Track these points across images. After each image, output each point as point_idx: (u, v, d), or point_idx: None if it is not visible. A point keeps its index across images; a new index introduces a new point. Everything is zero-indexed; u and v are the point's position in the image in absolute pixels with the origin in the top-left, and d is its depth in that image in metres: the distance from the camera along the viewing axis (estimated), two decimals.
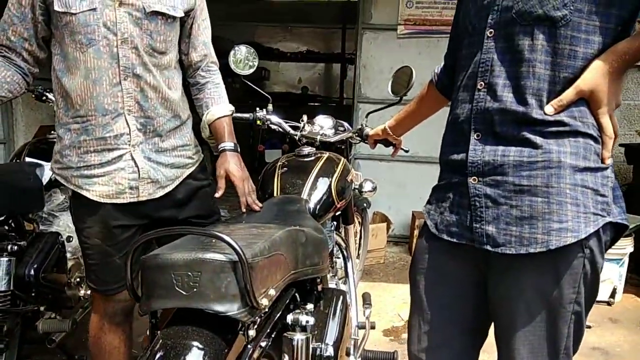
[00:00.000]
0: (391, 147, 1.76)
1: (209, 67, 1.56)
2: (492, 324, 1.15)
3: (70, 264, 1.90)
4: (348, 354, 1.48)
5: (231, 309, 0.81)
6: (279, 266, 0.99)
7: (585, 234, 0.96)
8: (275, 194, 1.51)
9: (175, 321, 0.85)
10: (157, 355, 0.80)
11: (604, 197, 0.98)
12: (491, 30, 1.01)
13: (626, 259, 3.00)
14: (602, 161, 0.99)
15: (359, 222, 2.58)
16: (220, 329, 0.84)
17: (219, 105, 1.54)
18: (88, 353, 1.95)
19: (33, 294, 1.64)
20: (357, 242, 2.67)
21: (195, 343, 0.81)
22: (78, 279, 1.95)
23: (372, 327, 1.82)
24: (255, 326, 0.90)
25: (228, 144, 1.50)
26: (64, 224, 1.89)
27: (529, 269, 1.00)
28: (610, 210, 0.99)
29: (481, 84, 1.02)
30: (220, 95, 1.56)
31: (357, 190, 2.09)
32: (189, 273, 0.80)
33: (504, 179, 0.99)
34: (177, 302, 0.81)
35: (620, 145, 3.73)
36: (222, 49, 1.79)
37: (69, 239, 1.85)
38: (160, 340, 0.82)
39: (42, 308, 1.68)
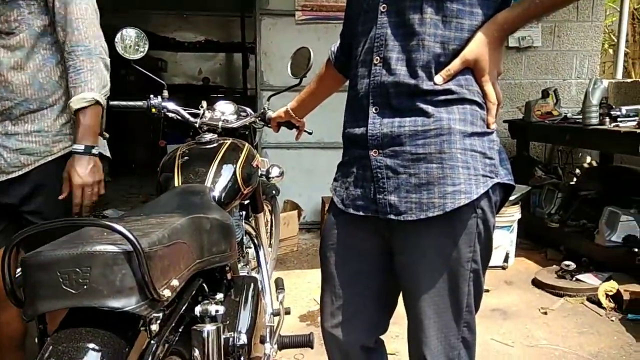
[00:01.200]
0: (295, 129, 1.75)
1: (72, 48, 1.40)
2: (400, 293, 1.19)
3: None
4: (263, 342, 1.46)
5: (128, 303, 0.75)
6: (182, 255, 0.94)
7: (477, 195, 1.02)
8: (176, 184, 1.43)
9: (67, 324, 0.77)
10: None
11: (491, 159, 1.05)
12: (384, 5, 1.04)
13: (515, 226, 3.28)
14: (488, 126, 1.05)
15: (269, 210, 2.56)
16: (119, 327, 0.78)
17: (75, 96, 1.40)
18: None
19: None
20: (268, 230, 2.65)
21: (91, 345, 0.74)
22: None
23: (287, 313, 1.82)
24: (159, 321, 0.85)
25: (77, 146, 1.39)
26: None
27: (429, 232, 1.05)
28: (498, 172, 1.06)
29: (377, 59, 1.05)
30: (78, 83, 1.40)
31: (264, 177, 2.06)
32: (77, 269, 0.73)
33: (402, 149, 1.04)
34: (66, 301, 0.74)
35: (504, 121, 4.07)
36: (113, 38, 1.66)
37: None
38: (51, 347, 0.74)
39: None
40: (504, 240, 3.22)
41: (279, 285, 1.76)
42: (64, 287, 0.73)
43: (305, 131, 1.76)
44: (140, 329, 0.82)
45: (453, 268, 1.06)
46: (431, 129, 1.02)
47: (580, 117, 3.21)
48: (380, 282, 1.19)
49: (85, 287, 0.73)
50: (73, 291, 0.73)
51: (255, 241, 1.94)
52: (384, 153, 1.06)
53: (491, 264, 3.44)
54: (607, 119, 2.97)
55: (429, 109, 1.02)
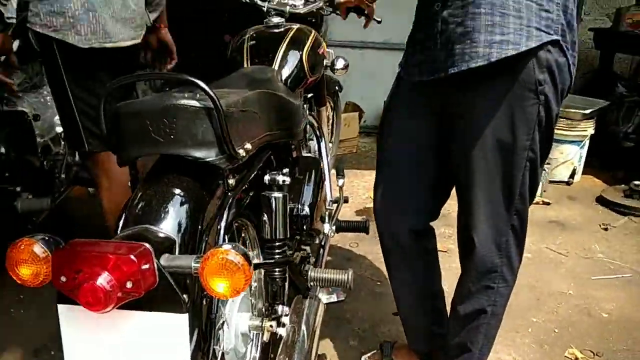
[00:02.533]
0: (363, 17, 1.71)
1: None
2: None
3: (40, 147, 1.86)
4: (323, 221, 1.55)
5: (209, 155, 0.82)
6: (254, 123, 1.00)
7: (526, 47, 0.98)
8: (245, 66, 1.47)
9: (155, 170, 0.86)
10: (141, 203, 0.82)
11: (549, 12, 1.00)
12: None
13: (587, 141, 3.13)
14: None
15: (330, 107, 2.58)
16: (201, 177, 0.86)
17: None
18: (68, 236, 2.00)
19: (7, 175, 1.63)
20: (330, 127, 2.69)
21: (177, 190, 0.83)
22: (51, 162, 1.93)
23: (346, 201, 1.90)
24: (235, 177, 0.93)
25: None
26: (28, 104, 1.82)
27: (485, 111, 1.04)
28: (557, 30, 1.01)
29: None
30: None
31: (329, 69, 2.06)
32: (165, 119, 0.80)
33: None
34: (155, 148, 0.82)
35: (589, 29, 3.72)
36: None
37: (35, 117, 1.80)
38: (142, 189, 0.84)
39: (17, 189, 1.67)
40: (573, 155, 3.10)
41: (339, 172, 1.83)
42: (154, 135, 0.81)
43: (374, 19, 1.72)
44: (219, 182, 0.90)
45: (508, 154, 1.05)
46: None
47: None
48: (434, 169, 1.21)
49: (172, 136, 0.81)
50: (161, 139, 0.81)
51: (317, 133, 1.99)
52: (443, 5, 1.03)
53: (556, 178, 3.37)
54: None
55: None
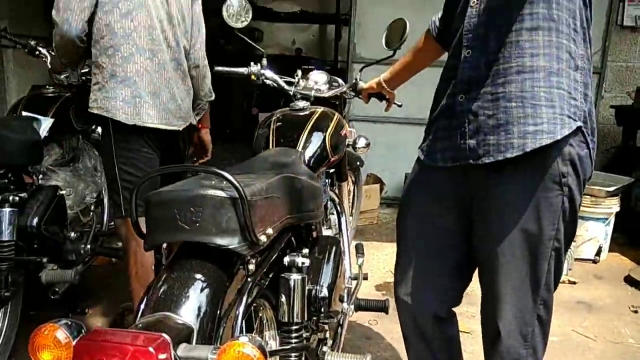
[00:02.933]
0: (384, 101, 1.78)
1: None
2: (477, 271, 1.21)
3: (69, 218, 1.93)
4: (342, 300, 1.54)
5: (232, 242, 0.86)
6: (276, 208, 1.03)
7: (561, 136, 1.00)
8: (270, 147, 1.54)
9: (179, 255, 0.89)
10: (162, 288, 0.84)
11: (575, 100, 1.03)
12: None
13: (612, 219, 3.08)
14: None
15: (352, 181, 2.62)
16: (222, 263, 0.89)
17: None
18: (89, 304, 2.03)
19: (35, 246, 1.69)
20: (350, 201, 2.73)
21: (199, 275, 0.85)
22: (79, 233, 2.00)
23: (365, 278, 1.88)
24: (255, 262, 0.95)
25: None
26: (63, 179, 1.92)
27: (512, 201, 1.05)
28: (581, 116, 1.03)
29: (473, 1, 1.06)
30: None
31: (351, 147, 2.12)
32: (192, 208, 0.84)
33: (484, 90, 1.04)
34: (181, 235, 0.86)
35: (611, 106, 3.77)
36: (216, 6, 1.78)
37: (68, 192, 1.88)
38: (165, 274, 0.87)
39: (44, 260, 1.72)
40: (598, 233, 3.03)
41: (359, 250, 1.83)
42: (180, 223, 0.85)
43: (395, 103, 1.79)
44: (239, 268, 0.93)
45: (534, 244, 1.05)
46: (512, 66, 1.01)
47: None
48: (457, 254, 1.20)
49: (197, 224, 0.85)
50: (187, 227, 0.85)
51: (338, 208, 2.02)
52: (469, 97, 1.06)
53: (582, 256, 3.27)
54: None
55: (512, 38, 1.00)
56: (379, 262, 2.97)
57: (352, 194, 2.75)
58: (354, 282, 1.74)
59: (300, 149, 1.51)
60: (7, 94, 3.81)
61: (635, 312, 2.48)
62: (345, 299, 1.58)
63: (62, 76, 2.22)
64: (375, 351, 2.01)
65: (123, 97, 1.64)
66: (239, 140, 3.78)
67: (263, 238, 0.92)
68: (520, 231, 1.06)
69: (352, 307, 1.60)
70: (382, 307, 1.67)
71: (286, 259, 1.12)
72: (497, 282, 1.10)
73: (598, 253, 3.06)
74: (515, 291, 1.09)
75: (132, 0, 1.62)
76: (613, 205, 3.03)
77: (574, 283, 2.73)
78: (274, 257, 1.08)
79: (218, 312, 0.84)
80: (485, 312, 1.20)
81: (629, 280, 2.79)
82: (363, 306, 1.68)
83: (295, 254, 1.14)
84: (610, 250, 3.16)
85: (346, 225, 2.02)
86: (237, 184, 0.84)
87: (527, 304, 1.10)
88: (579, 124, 1.02)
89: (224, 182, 0.87)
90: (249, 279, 0.93)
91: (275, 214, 1.03)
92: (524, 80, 1.00)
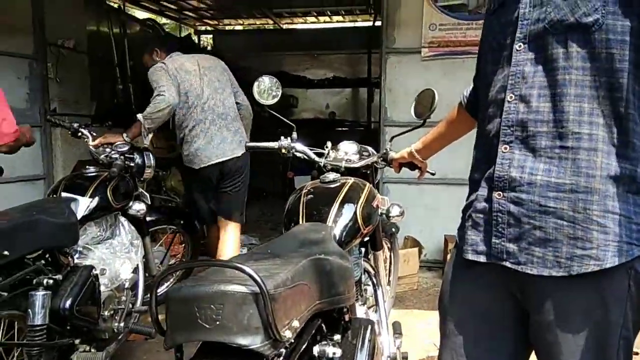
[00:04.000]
0: (417, 170, 1.74)
1: None
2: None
3: (103, 296, 1.93)
4: None
5: (254, 342, 0.81)
6: (303, 296, 0.98)
7: (612, 264, 0.92)
8: (300, 221, 1.51)
9: (200, 354, 0.85)
10: None
11: (638, 225, 0.94)
12: (520, 44, 0.99)
13: None
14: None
15: (388, 247, 2.54)
16: None
17: None
18: None
19: (68, 327, 1.68)
20: (387, 268, 2.63)
21: None
22: (112, 312, 1.99)
23: (405, 358, 1.77)
24: (281, 358, 0.89)
25: None
26: (98, 257, 1.94)
27: (572, 293, 0.96)
28: None
29: (511, 96, 1.00)
30: None
31: (384, 216, 2.07)
32: (212, 306, 0.81)
33: (529, 198, 0.97)
34: (201, 335, 0.82)
35: None
36: (251, 79, 1.85)
37: (102, 271, 1.89)
38: None
39: (77, 341, 1.70)
40: None
41: (397, 329, 1.74)
42: (200, 321, 0.81)
43: (428, 172, 1.75)
44: None
45: (600, 334, 0.95)
46: (566, 182, 0.94)
47: None
48: (508, 345, 1.09)
49: (217, 322, 0.80)
50: (207, 326, 0.81)
51: (374, 280, 1.94)
52: (509, 197, 0.99)
53: None
54: None
55: (569, 155, 0.94)
56: (420, 333, 2.81)
57: (388, 260, 2.66)
58: None
59: (330, 224, 1.47)
60: (55, 170, 4.00)
61: None
62: None
63: (102, 156, 2.31)
64: None
65: (192, 151, 2.94)
66: (274, 202, 3.86)
67: (288, 334, 0.86)
68: (585, 319, 0.96)
69: None
70: None
71: (316, 349, 1.06)
72: None
73: None
74: None
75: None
76: None
77: (636, 354, 2.48)
78: (302, 348, 1.02)
79: None
80: None
81: None
82: None
83: (325, 342, 1.08)
84: None
85: (382, 297, 1.93)
86: (259, 279, 0.80)
87: None
88: None
89: (246, 276, 0.84)
90: None
91: (303, 303, 0.97)
92: (577, 200, 0.94)
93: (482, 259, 1.05)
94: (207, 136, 2.86)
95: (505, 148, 1.00)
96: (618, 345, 0.96)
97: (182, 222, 3.00)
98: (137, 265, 2.24)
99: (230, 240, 2.96)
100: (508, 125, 1.00)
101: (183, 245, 3.13)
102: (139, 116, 2.70)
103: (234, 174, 2.97)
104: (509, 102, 1.00)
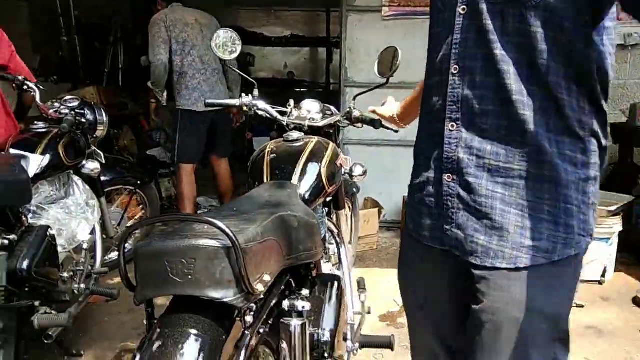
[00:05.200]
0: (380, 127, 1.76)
1: None
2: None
3: (61, 258, 1.88)
4: (345, 339, 1.49)
5: (227, 295, 0.81)
6: (273, 252, 0.99)
7: (560, 257, 0.88)
8: (265, 180, 1.50)
9: (172, 309, 0.85)
10: (155, 345, 0.80)
11: (586, 215, 0.91)
12: (463, 6, 0.89)
13: (615, 238, 3.02)
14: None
15: (349, 207, 2.59)
16: (218, 316, 0.85)
17: None
18: (84, 346, 1.97)
19: (27, 289, 1.62)
20: (349, 227, 2.68)
21: (193, 331, 0.81)
22: (71, 273, 1.94)
23: (368, 312, 1.84)
24: (252, 312, 0.91)
25: None
26: (53, 217, 1.87)
27: (515, 284, 0.91)
28: (589, 231, 0.92)
29: (455, 68, 0.91)
30: None
31: (347, 175, 2.09)
32: (183, 260, 0.80)
33: (477, 182, 0.91)
34: (172, 289, 0.81)
35: None
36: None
37: (59, 232, 1.83)
38: (158, 330, 0.82)
39: (36, 303, 1.66)
40: (602, 253, 2.97)
41: (361, 285, 1.79)
42: (171, 275, 0.80)
43: (389, 128, 1.76)
44: (235, 319, 0.88)
45: (539, 329, 0.92)
46: (515, 168, 0.88)
47: None
48: (455, 328, 1.05)
49: (189, 277, 0.80)
50: (179, 280, 0.80)
51: (337, 238, 1.97)
52: (458, 181, 0.92)
53: (587, 278, 3.20)
54: None
55: (517, 138, 0.87)
56: (382, 291, 2.90)
57: (349, 220, 2.71)
58: (357, 318, 1.69)
59: (295, 182, 1.47)
60: None
61: None
62: (349, 336, 1.52)
63: (51, 110, 2.19)
64: None
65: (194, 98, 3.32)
66: (234, 164, 3.86)
67: (260, 287, 0.87)
68: (525, 309, 0.91)
69: (357, 345, 1.54)
70: (387, 344, 1.61)
71: (285, 303, 1.07)
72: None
73: (603, 274, 2.99)
74: None
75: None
76: (615, 225, 2.98)
77: (582, 307, 2.67)
78: (272, 302, 1.04)
79: None
80: None
81: (637, 301, 2.74)
82: (367, 343, 1.63)
83: (294, 297, 1.10)
84: (615, 271, 3.09)
85: (346, 255, 1.98)
86: (231, 233, 0.80)
87: None
88: (588, 240, 0.92)
89: (217, 231, 0.83)
90: (247, 332, 0.88)
91: (272, 258, 0.98)
92: (526, 187, 0.88)
93: (432, 244, 1.00)
94: (209, 85, 3.34)
95: (453, 126, 0.93)
96: (556, 336, 0.92)
97: (139, 182, 2.92)
98: (94, 226, 2.18)
99: (227, 172, 3.68)
100: (454, 101, 0.92)
101: (141, 206, 3.07)
102: (149, 85, 3.39)
103: (227, 120, 3.61)
104: (453, 74, 0.92)
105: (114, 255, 2.68)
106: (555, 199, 0.88)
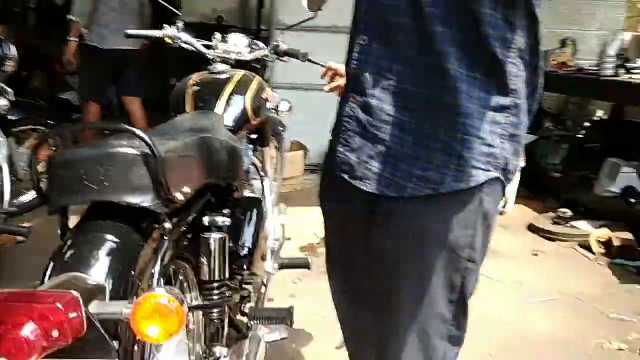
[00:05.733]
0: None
1: None
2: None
3: None
4: (264, 259, 1.57)
5: (145, 200, 0.83)
6: (193, 168, 1.02)
7: (449, 190, 0.83)
8: (187, 111, 1.50)
9: (88, 217, 0.85)
10: (70, 251, 0.80)
11: (491, 147, 0.84)
12: None
13: (518, 174, 3.33)
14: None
15: (275, 147, 2.63)
16: (135, 223, 0.86)
17: None
18: None
19: None
20: (274, 167, 2.73)
21: (109, 237, 0.81)
22: None
23: (288, 239, 1.92)
24: (172, 221, 0.93)
25: None
26: None
27: (408, 215, 0.89)
28: (498, 165, 0.85)
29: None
30: None
31: (274, 111, 2.11)
32: (99, 168, 0.80)
33: (380, 105, 0.86)
34: (89, 196, 0.81)
35: None
36: None
37: None
38: (72, 236, 0.83)
39: None
40: None
41: (282, 210, 1.86)
42: (86, 182, 0.80)
43: (316, 63, 1.79)
44: (154, 227, 0.91)
45: (440, 264, 0.89)
46: (420, 93, 0.82)
47: (596, 69, 3.18)
48: (367, 280, 1.02)
49: (106, 183, 0.81)
50: (95, 187, 0.81)
51: (261, 173, 2.02)
52: (360, 102, 0.87)
53: None
54: (622, 71, 2.96)
55: (427, 60, 0.81)
56: (304, 226, 3.01)
57: (275, 159, 2.75)
58: (277, 243, 1.77)
59: (219, 112, 1.48)
60: None
61: (536, 255, 2.76)
62: (269, 258, 1.60)
63: None
64: (300, 306, 2.07)
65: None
66: (156, 112, 3.71)
67: (179, 196, 0.90)
68: (423, 245, 0.89)
69: (276, 265, 1.63)
70: (305, 264, 1.72)
71: (206, 219, 1.11)
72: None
73: (504, 205, 3.31)
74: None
75: None
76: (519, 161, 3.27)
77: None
78: (193, 217, 1.07)
79: (132, 271, 0.82)
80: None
81: (531, 228, 3.07)
82: (286, 264, 1.72)
83: (215, 213, 1.14)
84: (516, 203, 3.43)
85: (269, 188, 2.03)
86: (148, 140, 0.81)
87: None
88: (493, 174, 0.85)
89: (136, 141, 0.85)
90: (165, 238, 0.91)
91: (193, 174, 1.01)
92: (426, 114, 0.83)
93: (330, 169, 0.96)
94: (121, 24, 3.21)
95: (364, 40, 0.87)
96: (463, 278, 0.89)
97: (50, 122, 2.77)
98: (1, 166, 2.08)
99: (140, 113, 3.68)
100: (366, 10, 0.88)
101: (53, 150, 2.93)
102: (70, 18, 3.40)
103: (135, 58, 3.58)
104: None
105: (24, 198, 2.57)
106: (453, 128, 0.82)
